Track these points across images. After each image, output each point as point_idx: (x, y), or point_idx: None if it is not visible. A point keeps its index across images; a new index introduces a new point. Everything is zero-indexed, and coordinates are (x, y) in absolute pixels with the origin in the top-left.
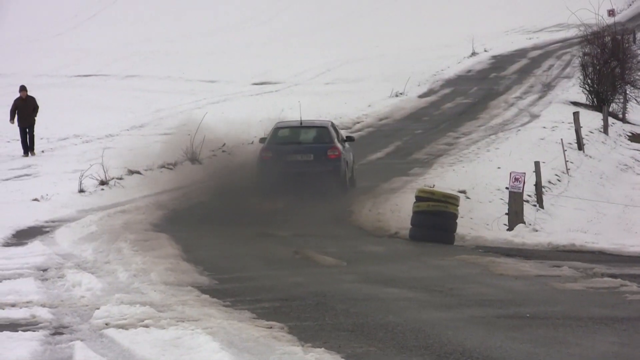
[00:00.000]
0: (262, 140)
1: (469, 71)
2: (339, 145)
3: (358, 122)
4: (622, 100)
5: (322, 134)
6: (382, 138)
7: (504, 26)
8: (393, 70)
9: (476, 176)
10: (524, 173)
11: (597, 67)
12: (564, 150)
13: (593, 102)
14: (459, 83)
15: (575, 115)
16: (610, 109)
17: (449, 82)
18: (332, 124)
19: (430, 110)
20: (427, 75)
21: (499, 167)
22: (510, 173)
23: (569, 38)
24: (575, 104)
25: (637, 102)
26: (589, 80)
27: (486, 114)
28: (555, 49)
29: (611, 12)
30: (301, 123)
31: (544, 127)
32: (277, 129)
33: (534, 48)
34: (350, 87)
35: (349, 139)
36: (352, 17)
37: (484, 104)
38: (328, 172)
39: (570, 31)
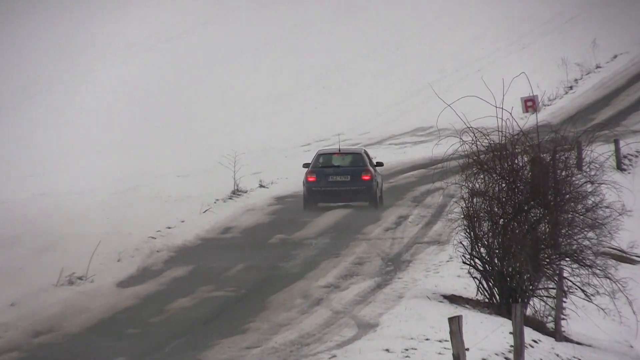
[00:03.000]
0: (305, 165)
1: (228, 229)
2: (371, 168)
3: None
4: (553, 294)
5: (357, 159)
6: None
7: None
8: None
9: None
10: None
11: (500, 222)
12: None
13: (492, 296)
14: (202, 254)
15: (454, 326)
16: (529, 312)
17: (182, 254)
18: (365, 151)
19: (136, 317)
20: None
21: None
22: None
23: (439, 160)
24: (453, 299)
25: (586, 295)
26: (481, 250)
27: (262, 322)
28: (412, 181)
29: (530, 105)
30: (339, 150)
31: (387, 352)
32: (318, 154)
33: None
34: None
35: (379, 164)
36: None
37: (261, 300)
38: (362, 190)
39: (447, 144)
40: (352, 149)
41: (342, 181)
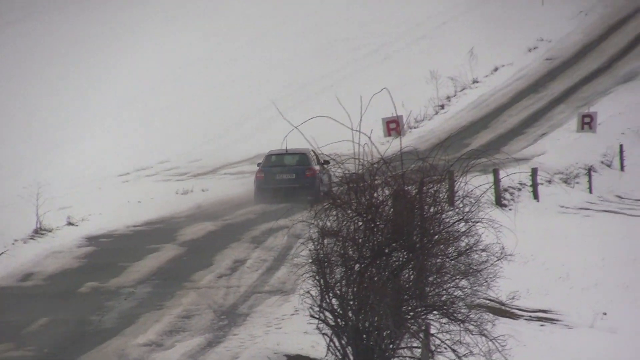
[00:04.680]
0: (258, 164)
1: (29, 275)
2: (315, 167)
3: None
4: (418, 354)
5: (303, 158)
6: None
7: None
8: None
9: None
10: None
11: (356, 267)
12: None
13: (345, 356)
14: None
15: None
16: None
17: None
18: (313, 151)
19: None
20: None
21: None
22: None
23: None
24: None
25: (457, 355)
26: (332, 302)
27: None
28: (251, 219)
29: (394, 128)
30: (287, 150)
31: None
32: (268, 155)
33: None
34: None
35: (326, 162)
36: None
37: None
38: (306, 187)
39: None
40: (299, 149)
41: (288, 179)
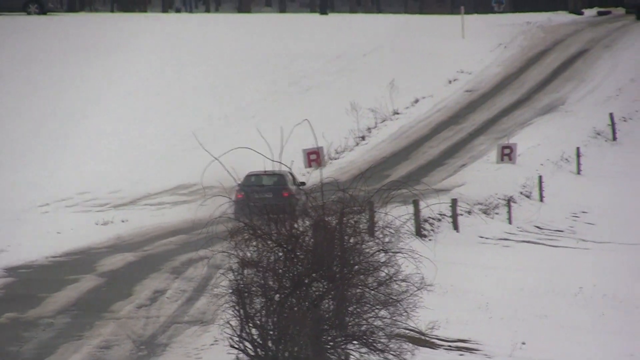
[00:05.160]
0: (239, 184)
1: None
2: (291, 187)
3: None
4: None
5: (280, 179)
6: None
7: None
8: None
9: None
10: None
11: (276, 298)
12: None
13: None
14: None
15: None
16: None
17: None
18: (290, 173)
19: None
20: None
21: None
22: None
23: (204, 224)
24: None
25: None
26: (252, 332)
27: None
28: (171, 249)
29: (314, 159)
30: (265, 172)
31: None
32: (248, 176)
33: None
34: None
35: (302, 183)
36: None
37: None
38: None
39: (214, 205)
40: (277, 171)
41: (266, 197)
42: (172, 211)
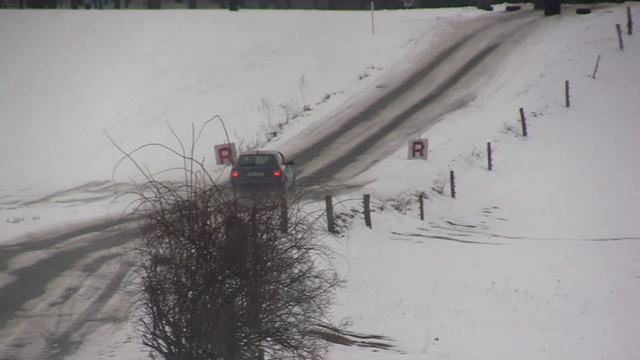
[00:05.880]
0: (232, 163)
1: None
2: (281, 166)
3: None
4: None
5: (271, 159)
6: None
7: None
8: None
9: None
10: None
11: (189, 295)
12: None
13: None
14: None
15: None
16: None
17: None
18: (279, 153)
19: None
20: None
21: None
22: None
23: (116, 221)
24: None
25: None
26: (166, 329)
27: None
28: (83, 246)
29: (226, 155)
30: (257, 152)
31: None
32: (241, 156)
33: None
34: None
35: (290, 162)
36: None
37: None
38: (273, 183)
39: (126, 202)
40: (268, 151)
41: (258, 176)
42: (84, 208)
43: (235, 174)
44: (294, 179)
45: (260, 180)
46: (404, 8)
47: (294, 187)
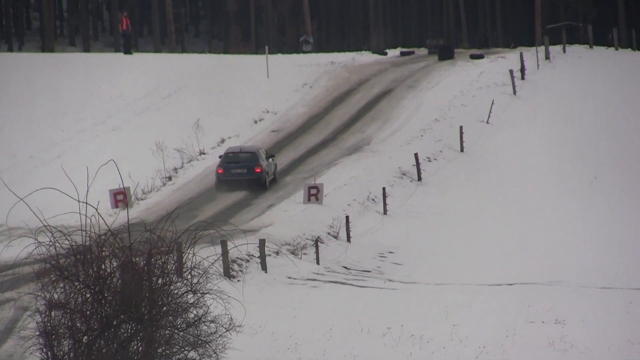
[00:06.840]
0: (220, 156)
1: None
2: (262, 163)
3: None
4: None
5: (253, 156)
6: None
7: None
8: None
9: None
10: None
11: (84, 340)
12: None
13: None
14: None
15: None
16: None
17: None
18: (261, 149)
19: None
20: None
21: None
22: None
23: (10, 266)
24: None
25: None
26: None
27: None
28: None
29: (121, 199)
30: (240, 149)
31: None
32: (226, 153)
33: None
34: None
35: (271, 155)
36: None
37: None
38: (255, 180)
39: (20, 246)
40: (251, 147)
41: (241, 172)
42: None
43: (220, 171)
44: (275, 171)
45: (243, 176)
46: (303, 52)
47: (275, 180)
